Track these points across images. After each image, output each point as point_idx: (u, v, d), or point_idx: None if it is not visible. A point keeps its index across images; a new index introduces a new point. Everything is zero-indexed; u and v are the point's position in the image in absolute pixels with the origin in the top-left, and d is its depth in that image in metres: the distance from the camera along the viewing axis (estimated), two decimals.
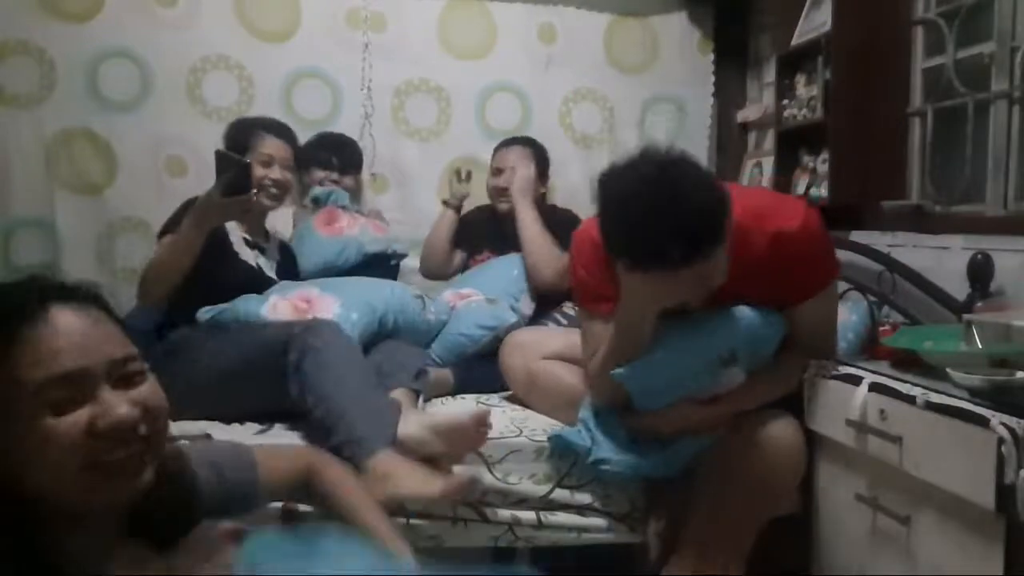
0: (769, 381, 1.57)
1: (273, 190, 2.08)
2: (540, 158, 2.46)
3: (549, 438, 1.65)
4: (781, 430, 1.52)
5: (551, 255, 2.19)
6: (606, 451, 1.56)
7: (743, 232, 1.42)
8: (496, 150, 2.51)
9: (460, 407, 1.89)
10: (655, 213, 1.26)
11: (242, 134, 2.11)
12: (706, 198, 1.30)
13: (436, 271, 2.54)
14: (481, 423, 1.57)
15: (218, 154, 1.80)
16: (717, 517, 1.43)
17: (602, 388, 1.57)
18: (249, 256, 2.02)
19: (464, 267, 2.53)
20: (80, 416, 0.76)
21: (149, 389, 0.83)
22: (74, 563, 0.79)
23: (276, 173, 2.09)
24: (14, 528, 0.76)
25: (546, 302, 2.26)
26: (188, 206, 1.86)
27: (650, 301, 1.42)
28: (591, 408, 1.62)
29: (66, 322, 0.78)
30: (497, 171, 2.44)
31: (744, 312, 1.51)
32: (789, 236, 1.46)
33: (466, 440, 1.57)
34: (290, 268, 2.19)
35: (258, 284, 1.97)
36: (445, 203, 2.56)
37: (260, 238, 2.12)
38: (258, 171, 2.02)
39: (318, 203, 2.41)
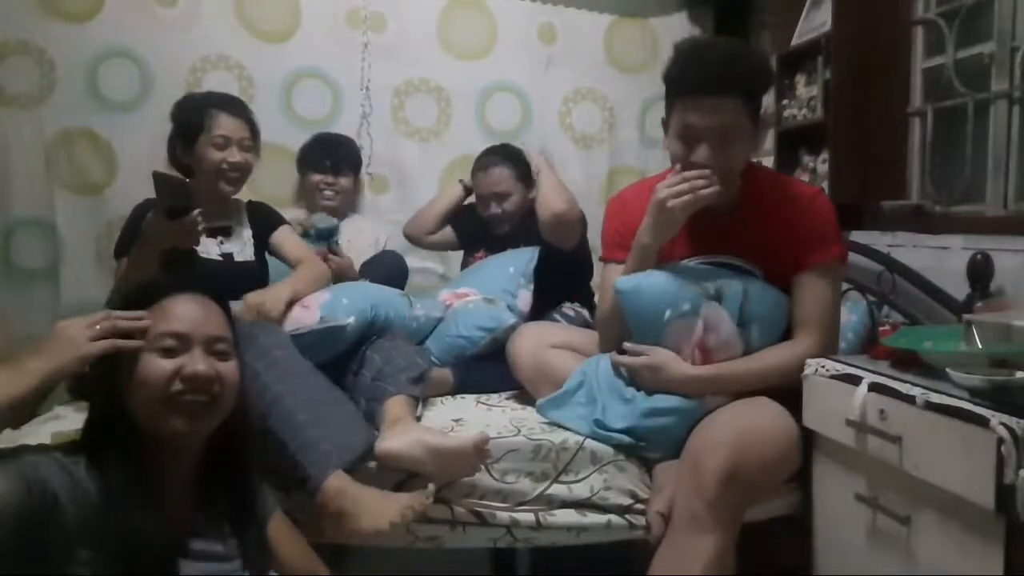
0: (760, 363, 1.60)
1: (232, 174, 1.95)
2: (522, 171, 2.39)
3: (538, 405, 1.75)
4: (763, 413, 1.55)
5: (562, 187, 2.24)
6: (600, 396, 1.66)
7: (762, 192, 1.67)
8: (479, 170, 2.43)
9: (460, 407, 1.88)
10: (703, 49, 1.61)
11: (193, 114, 1.96)
12: (747, 55, 1.62)
13: (417, 235, 2.56)
14: (483, 451, 1.53)
15: (156, 176, 1.67)
16: (695, 494, 1.43)
17: (610, 330, 1.76)
18: (212, 248, 1.94)
19: (463, 264, 2.54)
20: (175, 362, 1.09)
21: (230, 366, 1.14)
22: (157, 486, 1.07)
23: (234, 155, 1.94)
24: (123, 444, 1.06)
25: (546, 300, 2.26)
26: (137, 220, 1.81)
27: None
28: (594, 362, 1.73)
29: (186, 302, 1.13)
30: (484, 198, 2.40)
31: (742, 270, 1.64)
32: (802, 203, 1.65)
33: (463, 467, 1.53)
34: (264, 232, 2.06)
35: (232, 274, 1.90)
36: (461, 181, 2.54)
37: (223, 220, 1.98)
38: (215, 154, 1.92)
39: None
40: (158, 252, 1.68)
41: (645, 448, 1.63)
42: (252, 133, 2.01)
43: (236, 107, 2.00)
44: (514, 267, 2.25)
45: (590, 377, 1.71)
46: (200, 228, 1.69)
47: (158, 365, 1.08)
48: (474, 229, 2.49)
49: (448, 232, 2.56)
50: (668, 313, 1.60)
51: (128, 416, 1.07)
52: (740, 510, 1.46)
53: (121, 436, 1.06)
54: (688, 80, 1.58)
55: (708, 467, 1.42)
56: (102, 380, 1.10)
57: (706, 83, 1.55)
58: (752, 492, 1.50)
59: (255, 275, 1.99)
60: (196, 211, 1.65)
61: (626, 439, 1.62)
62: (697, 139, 1.58)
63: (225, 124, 1.95)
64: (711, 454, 1.44)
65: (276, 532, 1.27)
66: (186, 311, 1.13)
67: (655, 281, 1.63)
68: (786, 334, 1.66)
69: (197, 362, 1.09)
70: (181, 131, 1.96)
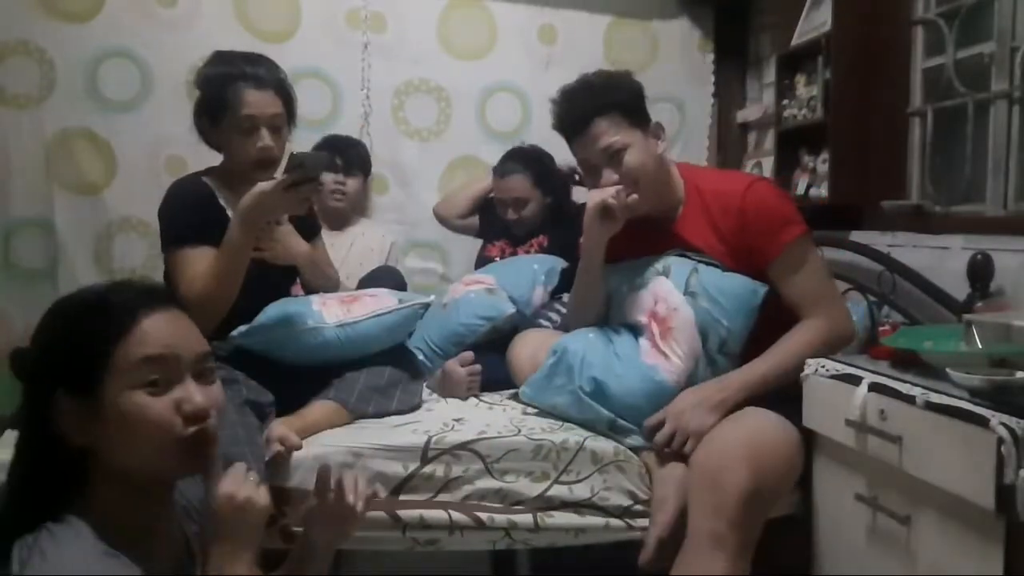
0: (780, 354, 1.62)
1: (265, 161, 1.70)
2: (541, 177, 2.43)
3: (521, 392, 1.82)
4: (773, 426, 1.54)
5: None
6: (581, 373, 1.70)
7: (702, 190, 1.74)
8: (498, 175, 2.46)
9: (460, 407, 1.88)
10: (562, 96, 1.75)
11: (216, 88, 1.70)
12: (597, 79, 1.75)
13: (447, 217, 2.64)
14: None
15: (295, 156, 1.56)
16: (715, 513, 1.43)
17: (578, 317, 1.87)
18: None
19: (480, 260, 2.54)
20: (170, 397, 0.91)
21: (218, 389, 0.98)
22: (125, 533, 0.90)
23: (264, 139, 1.68)
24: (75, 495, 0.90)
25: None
26: (188, 202, 1.71)
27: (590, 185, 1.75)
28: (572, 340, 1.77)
29: (167, 317, 0.94)
30: (502, 202, 2.46)
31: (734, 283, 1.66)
32: (738, 194, 1.67)
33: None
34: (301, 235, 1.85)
35: (268, 280, 1.76)
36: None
37: None
38: (242, 141, 1.68)
39: None
40: (257, 229, 1.59)
41: (626, 421, 1.65)
42: (285, 107, 1.74)
43: (264, 76, 1.71)
44: (539, 264, 2.29)
45: (569, 354, 1.72)
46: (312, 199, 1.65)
47: (155, 406, 0.90)
48: (495, 219, 2.53)
49: (475, 220, 2.61)
50: (624, 287, 1.77)
51: (89, 463, 0.90)
52: (759, 526, 1.47)
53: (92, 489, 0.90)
54: (562, 124, 1.75)
55: (729, 487, 1.42)
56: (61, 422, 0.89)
57: (575, 119, 1.71)
58: (769, 506, 1.51)
59: (286, 281, 1.89)
60: (317, 178, 1.59)
61: (605, 413, 1.65)
62: (597, 169, 1.72)
63: (252, 100, 1.68)
64: (730, 473, 1.44)
65: None
66: (167, 329, 0.93)
67: (619, 267, 1.81)
68: (777, 326, 1.67)
69: (194, 393, 0.92)
70: (205, 108, 1.73)
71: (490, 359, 1.99)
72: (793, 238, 1.66)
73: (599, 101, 1.70)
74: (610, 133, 1.69)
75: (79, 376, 0.89)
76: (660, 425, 1.59)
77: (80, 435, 0.89)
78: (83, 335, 0.90)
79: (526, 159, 2.44)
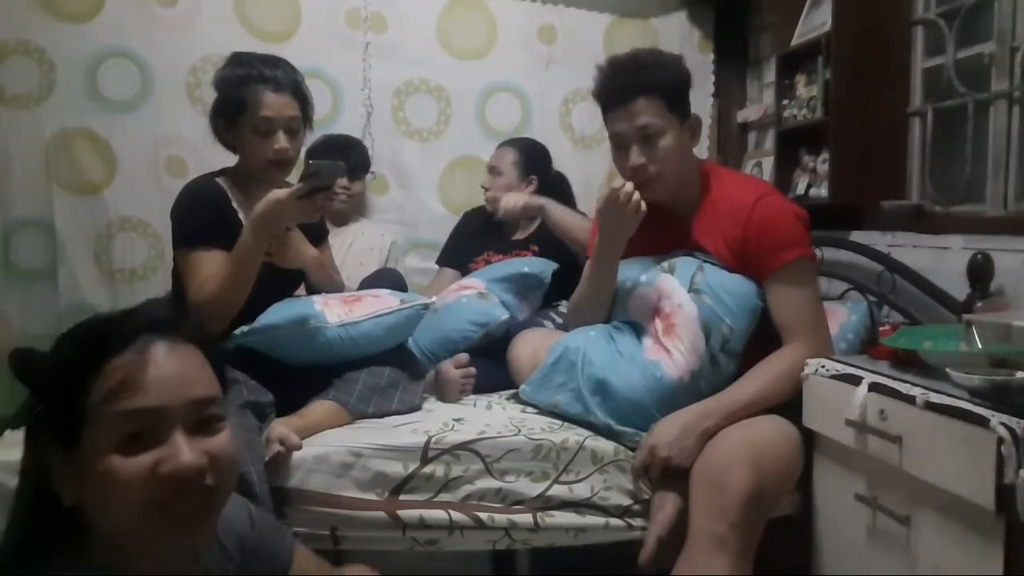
0: (756, 382, 1.60)
1: (280, 163, 1.74)
2: (527, 159, 2.48)
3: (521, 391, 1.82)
4: (774, 428, 1.55)
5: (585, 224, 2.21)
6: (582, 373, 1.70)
7: (716, 193, 1.72)
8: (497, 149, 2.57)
9: (460, 407, 1.88)
10: (612, 63, 1.74)
11: (234, 89, 1.72)
12: (652, 58, 1.72)
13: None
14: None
15: (312, 164, 1.58)
16: (717, 515, 1.43)
17: (580, 307, 1.85)
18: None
19: (464, 273, 2.51)
20: (147, 458, 0.75)
21: (223, 439, 0.80)
22: None
23: (280, 142, 1.70)
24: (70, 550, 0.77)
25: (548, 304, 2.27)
26: (201, 203, 1.71)
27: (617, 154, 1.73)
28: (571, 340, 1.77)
29: (155, 357, 0.77)
30: (489, 168, 2.52)
31: (733, 285, 1.66)
32: (747, 207, 1.65)
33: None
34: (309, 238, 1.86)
35: (275, 282, 1.75)
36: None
37: None
38: (258, 143, 1.71)
39: None
40: (270, 236, 1.59)
41: (628, 418, 1.64)
42: (302, 110, 1.77)
43: (281, 79, 1.73)
44: (529, 268, 2.27)
45: (570, 352, 1.73)
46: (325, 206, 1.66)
47: (123, 469, 0.73)
48: (473, 237, 2.51)
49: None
50: (629, 284, 1.77)
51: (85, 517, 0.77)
52: (760, 527, 1.47)
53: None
54: (604, 94, 1.73)
55: (731, 488, 1.42)
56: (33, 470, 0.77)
57: (617, 92, 1.70)
58: (770, 507, 1.50)
59: (292, 284, 1.89)
60: (332, 187, 1.62)
61: (603, 419, 1.64)
62: (627, 145, 1.70)
63: (269, 102, 1.70)
64: (732, 474, 1.43)
65: (301, 567, 1.08)
66: (157, 372, 0.76)
67: (624, 264, 1.80)
68: (771, 335, 1.66)
69: (179, 451, 0.75)
70: (221, 108, 1.75)
71: (482, 363, 1.98)
72: (791, 259, 1.63)
73: (646, 79, 1.68)
74: (650, 114, 1.67)
75: (64, 425, 0.75)
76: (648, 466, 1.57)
77: (67, 494, 0.76)
78: (63, 379, 0.76)
79: (522, 143, 2.54)
